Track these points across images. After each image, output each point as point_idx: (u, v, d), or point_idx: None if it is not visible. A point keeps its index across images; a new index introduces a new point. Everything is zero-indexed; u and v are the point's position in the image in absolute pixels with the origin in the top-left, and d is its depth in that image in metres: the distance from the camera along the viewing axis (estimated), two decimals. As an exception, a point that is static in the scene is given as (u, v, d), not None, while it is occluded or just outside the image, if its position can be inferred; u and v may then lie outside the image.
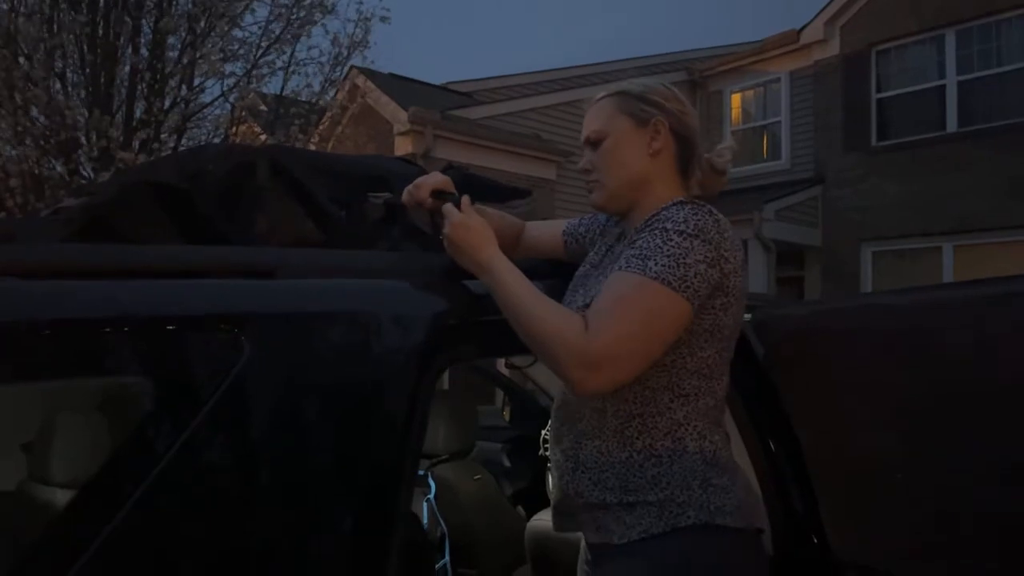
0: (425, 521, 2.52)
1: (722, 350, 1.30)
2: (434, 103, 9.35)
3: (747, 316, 1.70)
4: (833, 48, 10.32)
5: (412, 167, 1.83)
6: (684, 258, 1.19)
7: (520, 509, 3.06)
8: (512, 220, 1.65)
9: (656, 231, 1.23)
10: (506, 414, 4.12)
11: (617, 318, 1.17)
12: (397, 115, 8.98)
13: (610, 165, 1.37)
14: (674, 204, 1.28)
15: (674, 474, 1.25)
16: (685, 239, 1.21)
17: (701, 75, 11.74)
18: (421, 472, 2.56)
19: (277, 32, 7.60)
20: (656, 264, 1.19)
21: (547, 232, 1.64)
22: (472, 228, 1.31)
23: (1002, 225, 8.65)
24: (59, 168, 6.76)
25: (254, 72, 7.51)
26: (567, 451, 1.33)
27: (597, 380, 1.16)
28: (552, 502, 1.43)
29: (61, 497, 1.32)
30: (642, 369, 1.21)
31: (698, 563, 1.23)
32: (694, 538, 1.23)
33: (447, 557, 2.47)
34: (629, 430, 1.26)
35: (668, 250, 1.20)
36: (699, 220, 1.23)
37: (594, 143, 1.39)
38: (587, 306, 1.28)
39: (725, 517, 1.24)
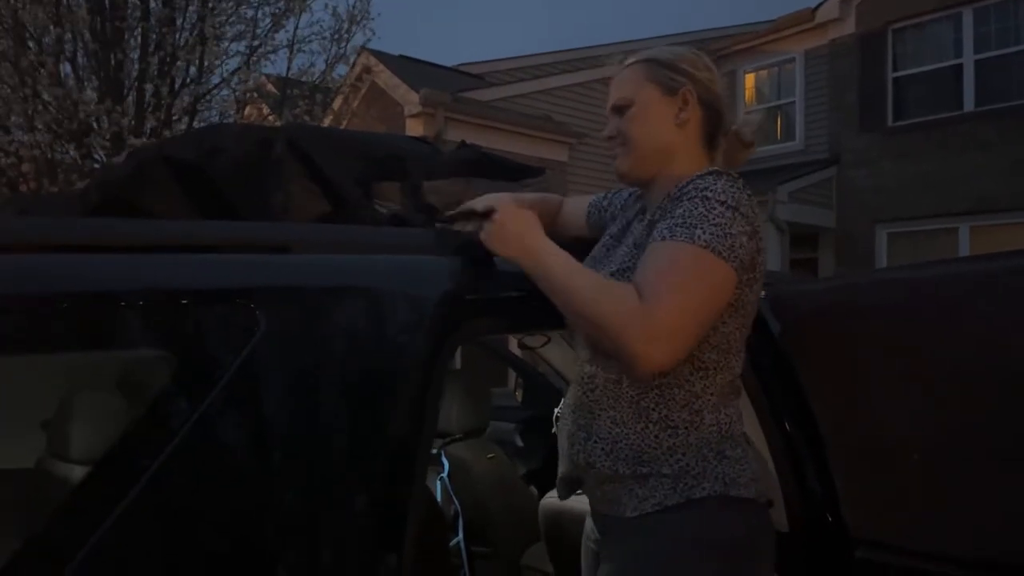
0: (439, 499, 2.53)
1: (742, 326, 1.29)
2: (445, 85, 9.31)
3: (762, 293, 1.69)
4: (849, 27, 10.19)
5: (426, 146, 1.82)
6: (729, 228, 1.18)
7: (533, 488, 3.07)
8: (552, 197, 1.65)
9: (697, 199, 1.21)
10: (519, 395, 4.13)
11: (676, 288, 1.14)
12: (408, 97, 8.96)
13: (635, 133, 1.35)
14: (709, 173, 1.25)
15: (690, 445, 1.24)
16: (728, 210, 1.19)
17: (715, 55, 11.57)
18: (435, 451, 2.57)
19: (281, 7, 7.59)
20: (704, 233, 1.17)
21: (574, 209, 1.63)
22: (520, 215, 1.28)
23: (1019, 206, 8.55)
24: (72, 153, 6.79)
25: (259, 50, 7.51)
26: (580, 421, 1.32)
27: (661, 353, 1.12)
28: (559, 473, 1.42)
29: (77, 472, 1.34)
30: (699, 340, 1.20)
31: (715, 534, 1.23)
32: (710, 509, 1.23)
33: (461, 535, 2.49)
34: (646, 401, 1.26)
35: (713, 219, 1.18)
36: (736, 192, 1.22)
37: (620, 110, 1.37)
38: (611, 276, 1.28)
39: (739, 488, 1.24)
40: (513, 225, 1.27)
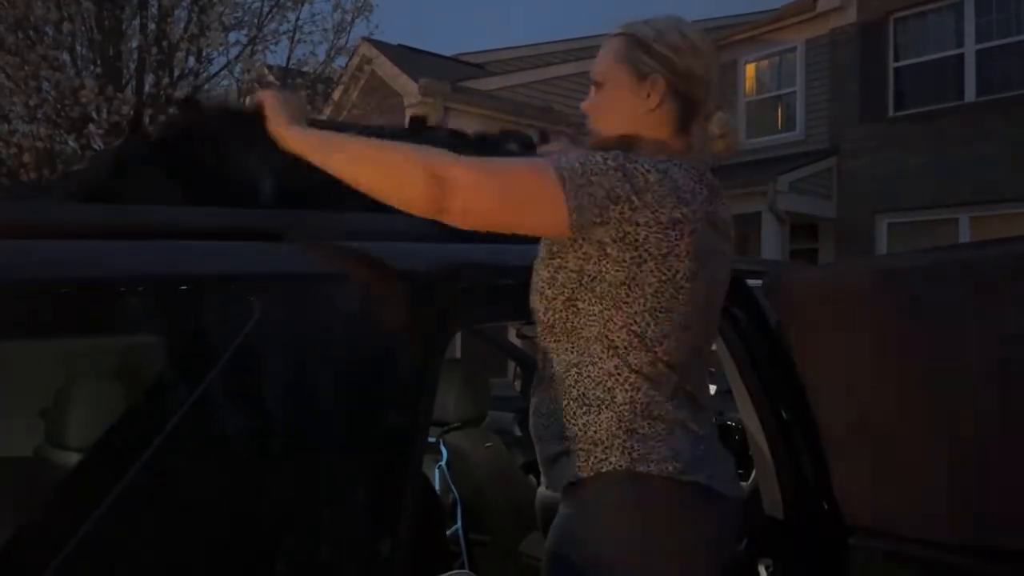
0: (437, 488, 2.54)
1: (655, 310, 1.22)
2: (445, 74, 9.30)
3: (758, 281, 1.69)
4: (850, 16, 10.14)
5: (402, 130, 1.81)
6: (593, 175, 1.16)
7: (531, 478, 3.07)
8: None
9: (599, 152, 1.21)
10: (518, 385, 4.13)
11: (496, 165, 1.20)
12: (408, 87, 8.95)
13: (604, 114, 1.34)
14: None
15: (601, 422, 1.24)
16: (606, 164, 1.17)
17: (715, 44, 11.56)
18: (433, 439, 2.57)
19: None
20: (567, 162, 1.17)
21: None
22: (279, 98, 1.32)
23: (1019, 196, 8.53)
24: (71, 143, 6.79)
25: (259, 40, 7.49)
26: (532, 399, 1.36)
27: (433, 193, 1.14)
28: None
29: (70, 459, 1.34)
30: (486, 220, 1.19)
31: (615, 507, 1.23)
32: (615, 482, 1.23)
33: (459, 523, 2.49)
34: (568, 379, 1.27)
35: (586, 161, 1.18)
36: (642, 168, 1.18)
37: (596, 85, 1.36)
38: None
39: (648, 465, 1.22)
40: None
